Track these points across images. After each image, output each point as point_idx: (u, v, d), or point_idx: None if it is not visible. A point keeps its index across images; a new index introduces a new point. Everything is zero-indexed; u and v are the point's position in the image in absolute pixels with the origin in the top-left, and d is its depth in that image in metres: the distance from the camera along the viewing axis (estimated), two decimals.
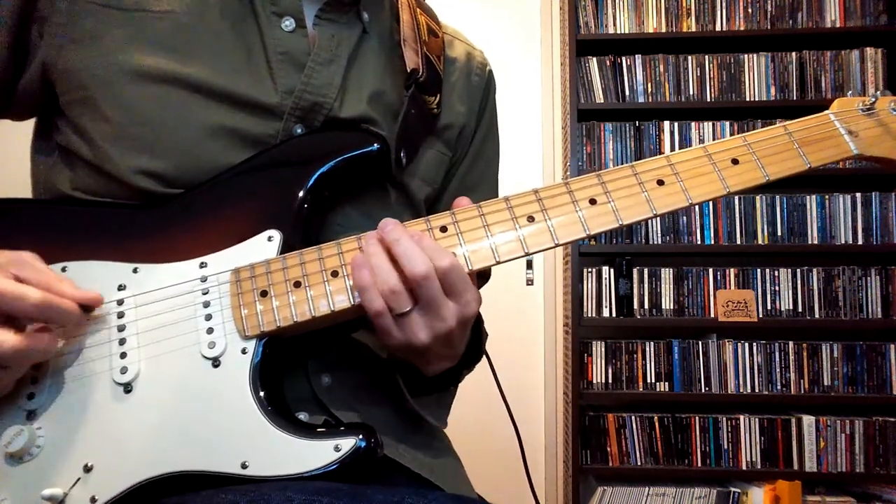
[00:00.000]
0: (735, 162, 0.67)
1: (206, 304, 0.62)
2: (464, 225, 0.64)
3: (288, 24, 0.72)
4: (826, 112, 0.71)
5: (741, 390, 2.39)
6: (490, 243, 0.63)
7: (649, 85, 2.54)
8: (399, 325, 0.60)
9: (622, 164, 0.68)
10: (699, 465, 2.36)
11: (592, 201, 0.65)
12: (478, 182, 0.89)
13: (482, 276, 0.72)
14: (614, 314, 2.46)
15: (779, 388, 2.39)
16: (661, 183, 0.66)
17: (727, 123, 2.50)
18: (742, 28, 2.52)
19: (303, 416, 0.65)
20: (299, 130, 0.71)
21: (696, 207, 2.45)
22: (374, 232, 0.63)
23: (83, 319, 0.60)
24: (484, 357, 0.79)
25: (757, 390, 2.39)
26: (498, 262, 0.63)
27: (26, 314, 0.55)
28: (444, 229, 0.64)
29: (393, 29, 0.81)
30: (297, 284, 0.62)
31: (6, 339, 0.54)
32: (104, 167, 0.67)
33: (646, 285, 2.46)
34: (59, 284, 0.58)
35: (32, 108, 0.75)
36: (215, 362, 0.60)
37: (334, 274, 0.62)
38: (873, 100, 0.71)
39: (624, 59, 2.55)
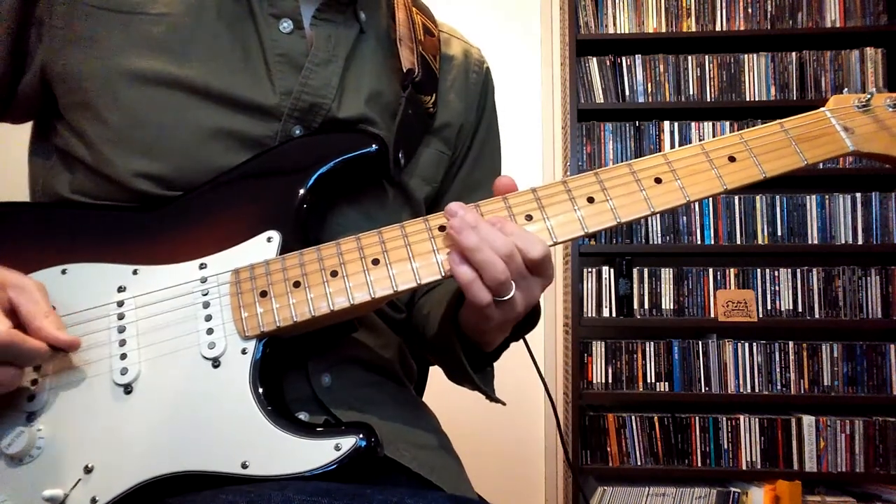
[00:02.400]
0: (732, 159, 0.67)
1: (206, 305, 0.62)
2: None
3: (286, 25, 0.72)
4: (822, 109, 0.71)
5: (741, 390, 2.39)
6: None
7: (649, 85, 2.54)
8: (500, 306, 0.61)
9: None
10: (699, 465, 2.36)
11: (590, 200, 0.65)
12: (481, 181, 0.89)
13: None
14: (614, 314, 2.46)
15: (779, 388, 2.38)
16: (658, 181, 0.66)
17: (727, 123, 2.49)
18: (742, 28, 2.52)
19: (303, 415, 0.65)
20: (298, 131, 0.71)
21: (696, 207, 2.45)
22: (460, 221, 0.61)
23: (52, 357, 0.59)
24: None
25: (757, 390, 2.38)
26: None
27: None
28: (442, 228, 0.64)
29: (390, 28, 0.81)
30: (297, 285, 0.62)
31: None
32: (103, 170, 0.67)
33: (646, 285, 2.46)
34: (40, 321, 0.57)
35: (31, 111, 0.75)
36: (215, 363, 0.60)
37: (333, 274, 0.63)
38: (869, 97, 0.71)
39: (624, 59, 2.54)
